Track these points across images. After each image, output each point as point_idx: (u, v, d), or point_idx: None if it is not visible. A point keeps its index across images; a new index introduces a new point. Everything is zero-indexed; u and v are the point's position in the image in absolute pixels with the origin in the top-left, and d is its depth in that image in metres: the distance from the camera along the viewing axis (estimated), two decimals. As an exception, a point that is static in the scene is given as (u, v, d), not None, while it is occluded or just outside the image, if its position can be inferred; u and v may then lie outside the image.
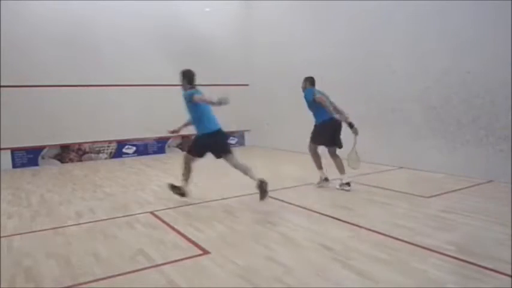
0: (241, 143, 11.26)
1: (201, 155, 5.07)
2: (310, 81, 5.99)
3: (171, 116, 10.12)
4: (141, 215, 4.58)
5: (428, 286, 2.70)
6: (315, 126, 5.71)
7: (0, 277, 2.97)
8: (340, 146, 5.67)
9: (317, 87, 9.54)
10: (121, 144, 9.48)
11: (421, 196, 5.06)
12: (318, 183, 5.77)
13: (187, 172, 5.12)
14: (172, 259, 3.23)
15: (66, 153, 8.89)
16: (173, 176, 6.92)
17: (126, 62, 9.34)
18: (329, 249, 3.35)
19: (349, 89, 8.18)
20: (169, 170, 7.57)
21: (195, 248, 3.47)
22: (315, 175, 5.92)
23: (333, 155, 5.66)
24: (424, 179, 6.19)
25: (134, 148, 9.67)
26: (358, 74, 7.95)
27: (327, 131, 5.57)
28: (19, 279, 2.96)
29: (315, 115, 5.71)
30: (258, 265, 3.08)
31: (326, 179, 5.74)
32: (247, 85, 11.11)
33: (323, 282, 2.78)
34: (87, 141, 9.04)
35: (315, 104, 5.57)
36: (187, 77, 5.21)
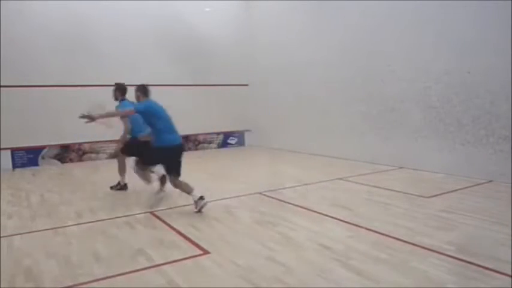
0: (241, 143, 11.26)
1: None
2: (142, 92, 4.82)
3: (171, 115, 10.21)
4: (141, 215, 4.58)
5: (428, 286, 2.70)
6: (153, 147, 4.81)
7: (0, 277, 2.97)
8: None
9: (318, 86, 9.58)
10: (121, 144, 9.47)
11: (421, 196, 5.06)
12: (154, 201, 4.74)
13: None
14: (172, 259, 3.23)
15: (66, 153, 8.88)
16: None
17: (126, 62, 9.33)
18: (329, 249, 3.35)
19: (349, 88, 8.20)
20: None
21: (195, 248, 3.47)
22: (315, 175, 5.94)
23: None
24: (424, 179, 6.19)
25: (134, 148, 9.67)
26: (358, 74, 7.95)
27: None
28: (19, 279, 2.96)
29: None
30: (258, 265, 3.08)
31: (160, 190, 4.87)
32: (247, 85, 11.11)
33: (323, 282, 2.78)
34: (87, 141, 9.04)
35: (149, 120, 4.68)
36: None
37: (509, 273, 2.83)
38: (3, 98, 8.04)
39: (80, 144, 8.98)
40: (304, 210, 4.61)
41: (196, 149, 10.45)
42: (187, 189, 4.63)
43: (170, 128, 4.70)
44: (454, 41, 6.22)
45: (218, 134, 10.76)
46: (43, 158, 8.66)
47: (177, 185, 4.65)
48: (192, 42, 10.18)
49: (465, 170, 6.12)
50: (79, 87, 8.86)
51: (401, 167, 7.06)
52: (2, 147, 8.09)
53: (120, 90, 5.59)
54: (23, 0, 8.16)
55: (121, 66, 9.27)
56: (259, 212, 4.59)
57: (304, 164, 7.82)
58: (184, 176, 6.94)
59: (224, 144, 10.90)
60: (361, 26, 7.80)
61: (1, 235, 3.94)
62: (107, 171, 7.75)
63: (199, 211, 4.54)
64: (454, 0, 6.12)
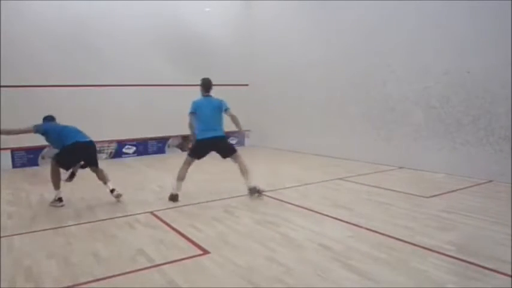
0: (241, 143, 11.24)
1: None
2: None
3: (171, 115, 10.21)
4: (141, 215, 4.58)
5: (428, 286, 2.70)
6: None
7: (0, 277, 2.97)
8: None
9: (318, 86, 9.56)
10: (121, 144, 9.48)
11: (421, 196, 5.06)
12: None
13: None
14: (172, 259, 3.23)
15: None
16: (173, 176, 6.91)
17: (126, 62, 9.33)
18: (329, 249, 3.35)
19: (349, 88, 8.20)
20: (169, 170, 7.56)
21: (195, 248, 3.47)
22: (315, 175, 5.93)
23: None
24: (424, 179, 6.19)
25: (134, 148, 9.67)
26: (358, 74, 7.95)
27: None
28: (19, 279, 2.96)
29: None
30: (258, 265, 3.08)
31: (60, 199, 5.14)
32: (247, 85, 11.11)
33: (323, 282, 2.78)
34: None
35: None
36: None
37: (509, 273, 2.83)
38: (3, 98, 8.04)
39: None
40: (304, 210, 4.61)
41: (196, 149, 10.45)
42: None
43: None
44: (454, 41, 6.22)
45: (218, 134, 10.75)
46: (43, 158, 8.65)
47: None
48: (192, 42, 10.17)
49: (465, 170, 6.12)
50: (79, 87, 8.86)
51: (401, 167, 7.06)
52: (2, 147, 8.09)
53: (202, 86, 5.71)
54: (22, 0, 8.16)
55: (121, 66, 9.28)
56: (260, 212, 4.59)
57: (304, 164, 7.82)
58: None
59: (224, 144, 10.89)
60: (361, 26, 7.80)
61: (1, 235, 3.94)
62: (107, 170, 7.75)
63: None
64: (454, 0, 6.12)
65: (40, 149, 8.62)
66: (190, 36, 10.14)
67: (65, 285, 2.83)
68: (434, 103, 6.58)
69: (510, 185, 5.44)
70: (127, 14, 9.29)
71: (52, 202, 5.11)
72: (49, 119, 5.70)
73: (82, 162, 5.34)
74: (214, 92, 11.84)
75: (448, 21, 6.27)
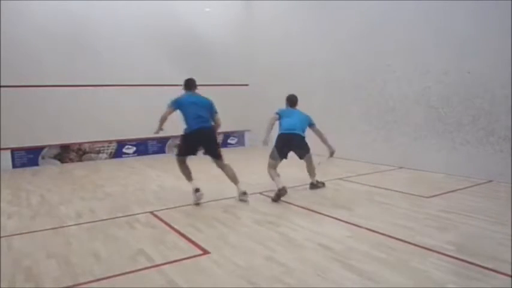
0: (241, 143, 11.26)
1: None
2: (287, 101, 6.21)
3: (171, 115, 10.20)
4: (141, 215, 4.58)
5: (428, 286, 2.70)
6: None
7: (0, 277, 2.97)
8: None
9: (318, 86, 9.55)
10: (121, 144, 9.48)
11: (421, 196, 5.06)
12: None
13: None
14: (172, 259, 3.23)
15: (66, 153, 8.88)
16: (173, 176, 6.93)
17: (126, 62, 9.34)
18: (329, 249, 3.35)
19: (349, 88, 8.20)
20: (169, 170, 7.56)
21: (195, 248, 3.47)
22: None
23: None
24: (424, 179, 6.19)
25: (134, 148, 9.67)
26: (358, 74, 7.95)
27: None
28: (19, 279, 2.96)
29: None
30: (258, 265, 3.08)
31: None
32: (247, 85, 11.11)
33: (323, 282, 2.78)
34: (87, 141, 9.04)
35: None
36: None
37: (509, 273, 2.83)
38: (3, 98, 8.04)
39: (80, 144, 8.98)
40: (304, 210, 4.61)
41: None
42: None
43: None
44: (454, 41, 6.22)
45: (218, 134, 10.73)
46: (43, 158, 8.66)
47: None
48: (192, 42, 10.17)
49: (465, 170, 6.12)
50: (79, 87, 8.87)
51: (401, 167, 7.06)
52: (2, 147, 8.09)
53: (287, 100, 6.40)
54: (23, 0, 8.16)
55: (120, 66, 9.29)
56: (259, 212, 4.59)
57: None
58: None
59: (224, 144, 10.89)
60: (361, 26, 7.79)
61: (1, 235, 3.94)
62: (107, 171, 7.76)
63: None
64: (454, 0, 6.12)
65: (40, 149, 8.63)
66: (191, 36, 10.14)
67: (65, 285, 2.83)
68: (434, 103, 6.58)
69: (510, 185, 5.44)
70: (127, 14, 9.29)
71: (193, 194, 4.98)
72: (188, 85, 5.41)
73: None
74: (214, 92, 11.84)
75: (448, 21, 6.27)
